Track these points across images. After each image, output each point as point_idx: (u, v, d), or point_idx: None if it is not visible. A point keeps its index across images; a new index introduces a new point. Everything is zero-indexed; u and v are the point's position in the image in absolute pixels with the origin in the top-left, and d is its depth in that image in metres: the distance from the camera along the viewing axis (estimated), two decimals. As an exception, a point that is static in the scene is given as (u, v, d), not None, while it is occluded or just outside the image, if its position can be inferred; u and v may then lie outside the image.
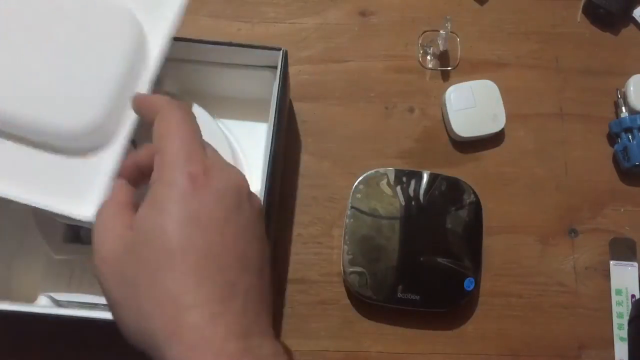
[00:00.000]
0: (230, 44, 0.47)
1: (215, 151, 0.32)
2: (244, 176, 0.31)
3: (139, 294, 0.27)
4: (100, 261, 0.29)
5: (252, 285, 0.29)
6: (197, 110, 0.49)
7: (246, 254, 0.29)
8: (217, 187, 0.29)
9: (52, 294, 0.46)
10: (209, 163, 0.29)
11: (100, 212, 0.31)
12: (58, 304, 0.46)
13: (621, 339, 0.53)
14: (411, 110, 0.59)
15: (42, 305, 0.45)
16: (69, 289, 0.46)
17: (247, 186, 0.31)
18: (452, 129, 0.57)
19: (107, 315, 0.43)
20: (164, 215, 0.27)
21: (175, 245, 0.27)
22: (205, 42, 0.47)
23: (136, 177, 0.34)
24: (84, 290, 0.46)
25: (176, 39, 0.47)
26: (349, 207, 0.53)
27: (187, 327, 0.26)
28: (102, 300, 0.46)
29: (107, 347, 0.51)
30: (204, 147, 0.31)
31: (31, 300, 0.48)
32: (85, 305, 0.46)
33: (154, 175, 0.29)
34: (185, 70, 0.50)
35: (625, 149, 0.57)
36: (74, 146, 0.36)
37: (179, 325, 0.26)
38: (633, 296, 0.54)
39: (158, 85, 0.40)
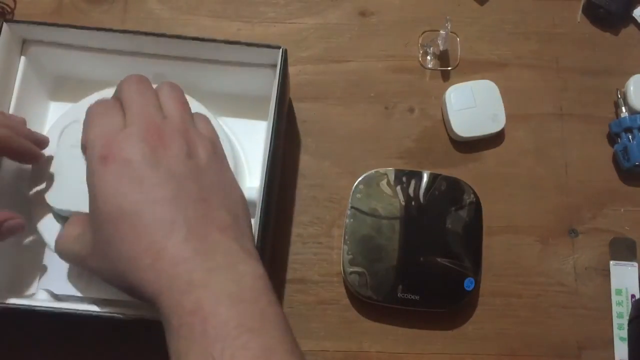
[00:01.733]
0: (230, 42, 0.47)
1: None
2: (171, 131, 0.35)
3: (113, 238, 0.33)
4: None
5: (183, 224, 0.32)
6: (198, 107, 0.49)
7: (169, 199, 0.33)
8: (126, 158, 0.33)
9: (51, 288, 0.46)
10: (124, 134, 0.34)
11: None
12: (57, 298, 0.46)
13: (621, 339, 0.53)
14: (411, 110, 0.59)
15: (41, 299, 0.45)
16: (68, 283, 0.46)
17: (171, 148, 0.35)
18: (452, 129, 0.57)
19: (106, 309, 0.43)
20: (95, 191, 0.34)
21: (109, 213, 0.33)
22: (205, 40, 0.47)
23: None
24: (83, 285, 0.46)
25: (176, 37, 0.47)
26: (349, 207, 0.53)
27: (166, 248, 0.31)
28: (101, 294, 0.46)
29: (106, 340, 0.51)
30: (121, 116, 0.36)
31: (30, 294, 0.48)
32: (85, 299, 0.46)
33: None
34: (186, 68, 0.50)
35: (625, 149, 0.57)
36: None
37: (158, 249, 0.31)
38: (633, 296, 0.54)
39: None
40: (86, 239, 0.35)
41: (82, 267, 0.39)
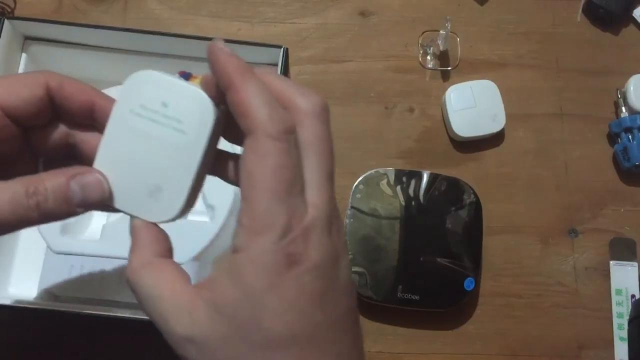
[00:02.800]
0: (231, 42, 0.47)
1: (311, 187, 0.26)
2: (344, 241, 0.26)
3: None
4: (184, 341, 0.24)
5: (353, 348, 0.25)
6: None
7: (344, 319, 0.25)
8: (316, 263, 0.24)
9: (51, 289, 0.46)
10: (309, 224, 0.24)
11: (147, 273, 0.26)
12: (57, 298, 0.46)
13: (621, 339, 0.53)
14: (411, 110, 0.59)
15: (42, 300, 0.45)
16: (67, 284, 0.46)
17: (346, 251, 0.26)
18: (452, 129, 0.57)
19: (105, 310, 0.43)
20: (258, 307, 0.23)
21: (276, 339, 0.23)
22: (206, 39, 0.47)
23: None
24: (82, 285, 0.46)
25: (177, 36, 0.47)
26: (349, 207, 0.53)
27: None
28: (100, 295, 0.46)
29: (106, 340, 0.51)
30: (303, 193, 0.25)
31: (30, 295, 0.48)
32: (84, 300, 0.46)
33: (242, 219, 0.24)
34: (186, 67, 0.50)
35: (625, 149, 0.57)
36: None
37: None
38: (633, 296, 0.54)
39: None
40: (197, 321, 0.24)
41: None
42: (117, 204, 0.27)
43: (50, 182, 0.26)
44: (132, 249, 0.27)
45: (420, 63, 0.61)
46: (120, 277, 0.47)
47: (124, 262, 0.48)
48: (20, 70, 0.49)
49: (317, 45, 0.61)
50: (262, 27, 0.61)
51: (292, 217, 0.23)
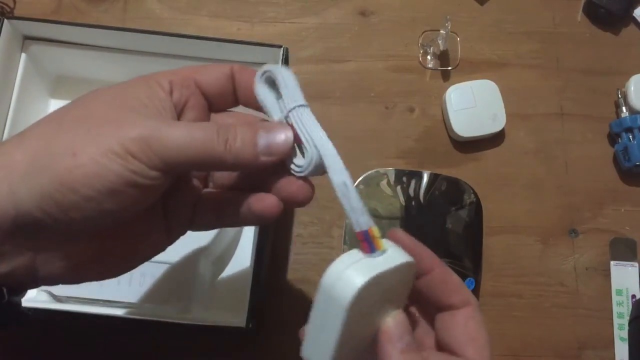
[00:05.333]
0: (231, 41, 0.47)
1: None
2: None
3: None
4: None
5: None
6: None
7: None
8: None
9: (51, 289, 0.46)
10: None
11: None
12: (57, 299, 0.46)
13: (621, 339, 0.53)
14: (411, 110, 0.59)
15: (41, 300, 0.45)
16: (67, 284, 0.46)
17: None
18: (452, 129, 0.57)
19: (105, 310, 0.43)
20: None
21: None
22: (206, 39, 0.47)
23: None
24: (82, 285, 0.46)
25: (177, 36, 0.47)
26: (349, 207, 0.53)
27: None
28: (100, 295, 0.45)
29: (104, 340, 0.51)
30: None
31: (29, 295, 0.48)
32: (84, 300, 0.46)
33: None
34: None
35: (625, 149, 0.57)
36: None
37: None
38: (633, 296, 0.54)
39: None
40: None
41: None
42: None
43: (240, 128, 0.28)
44: None
45: (421, 63, 0.61)
46: (120, 276, 0.46)
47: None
48: (20, 70, 0.49)
49: (317, 45, 0.60)
50: (262, 27, 0.61)
51: None
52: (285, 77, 0.29)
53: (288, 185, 0.29)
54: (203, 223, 0.31)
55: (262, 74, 0.29)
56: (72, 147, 0.25)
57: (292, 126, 0.28)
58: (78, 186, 0.24)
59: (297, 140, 0.28)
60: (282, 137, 0.28)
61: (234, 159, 0.27)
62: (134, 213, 0.27)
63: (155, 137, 0.25)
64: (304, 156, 0.28)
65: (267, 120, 0.30)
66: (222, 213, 0.31)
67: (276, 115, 0.29)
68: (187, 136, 0.26)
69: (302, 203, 0.30)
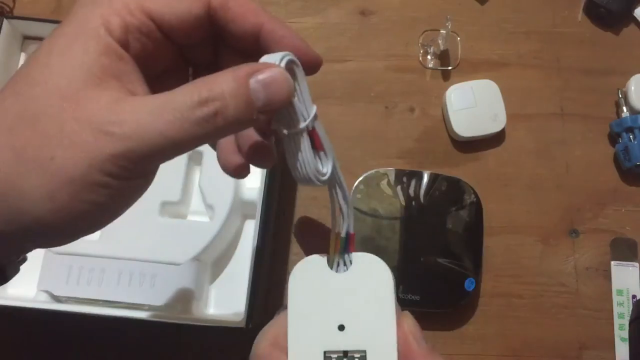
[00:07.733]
0: None
1: None
2: None
3: None
4: None
5: None
6: None
7: None
8: None
9: (51, 289, 0.46)
10: None
11: None
12: (57, 299, 0.46)
13: (622, 339, 0.53)
14: (411, 110, 0.59)
15: (41, 300, 0.45)
16: (67, 284, 0.46)
17: None
18: (452, 129, 0.57)
19: (105, 311, 0.43)
20: None
21: None
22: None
23: None
24: (81, 285, 0.46)
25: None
26: (349, 207, 0.53)
27: None
28: (99, 295, 0.45)
29: (105, 341, 0.51)
30: None
31: (29, 295, 0.48)
32: (84, 300, 0.46)
33: None
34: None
35: (626, 149, 0.57)
36: None
37: None
38: (634, 296, 0.54)
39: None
40: None
41: None
42: None
43: (226, 84, 0.21)
44: None
45: (421, 63, 0.61)
46: (120, 277, 0.46)
47: (123, 262, 0.48)
48: (20, 70, 0.49)
49: (317, 45, 0.60)
50: (262, 26, 0.60)
51: None
52: (303, 73, 0.24)
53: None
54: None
55: (283, 57, 0.23)
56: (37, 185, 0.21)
57: (315, 132, 0.25)
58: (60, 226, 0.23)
59: (318, 147, 0.25)
60: (284, 85, 0.22)
61: (227, 130, 0.22)
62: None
63: (130, 149, 0.21)
64: (322, 164, 0.26)
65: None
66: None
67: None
68: (155, 130, 0.21)
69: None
